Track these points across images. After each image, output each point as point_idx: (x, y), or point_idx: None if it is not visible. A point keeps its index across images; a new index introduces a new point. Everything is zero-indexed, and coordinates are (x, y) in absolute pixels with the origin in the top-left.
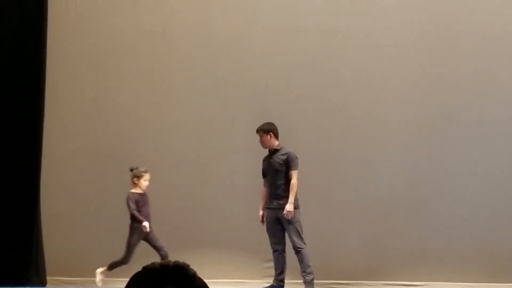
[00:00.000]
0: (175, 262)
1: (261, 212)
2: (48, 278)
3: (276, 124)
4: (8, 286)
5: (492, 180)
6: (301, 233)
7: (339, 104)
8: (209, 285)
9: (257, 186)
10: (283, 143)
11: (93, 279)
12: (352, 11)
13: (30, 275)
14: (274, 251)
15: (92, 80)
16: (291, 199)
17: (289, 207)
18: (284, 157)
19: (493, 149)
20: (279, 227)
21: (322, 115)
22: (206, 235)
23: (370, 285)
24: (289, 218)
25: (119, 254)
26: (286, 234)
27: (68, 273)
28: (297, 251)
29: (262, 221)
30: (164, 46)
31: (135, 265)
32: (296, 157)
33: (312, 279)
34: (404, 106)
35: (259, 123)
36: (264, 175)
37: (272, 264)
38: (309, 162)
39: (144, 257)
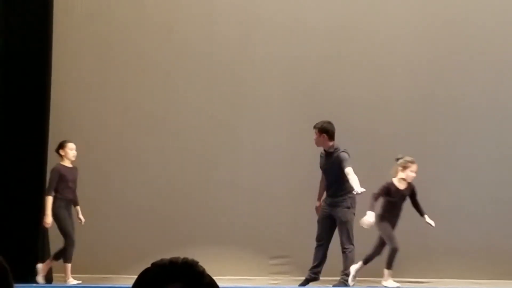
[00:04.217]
0: (184, 258)
1: (317, 203)
2: (54, 275)
3: (278, 120)
4: (15, 283)
5: (499, 176)
6: (350, 233)
7: (343, 100)
8: None
9: (263, 183)
10: (283, 138)
11: (99, 276)
12: (357, 7)
13: (36, 273)
14: (318, 243)
15: (98, 76)
16: (355, 183)
17: (357, 188)
18: (335, 159)
19: (500, 145)
20: (328, 223)
21: (325, 112)
22: (212, 232)
23: (376, 282)
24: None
25: (124, 252)
26: (337, 231)
27: (74, 270)
28: (343, 251)
29: (318, 211)
30: (170, 42)
31: (144, 262)
32: (348, 157)
33: (347, 281)
34: (409, 102)
35: (263, 121)
36: (321, 169)
37: (278, 261)
38: (312, 160)
39: (151, 253)
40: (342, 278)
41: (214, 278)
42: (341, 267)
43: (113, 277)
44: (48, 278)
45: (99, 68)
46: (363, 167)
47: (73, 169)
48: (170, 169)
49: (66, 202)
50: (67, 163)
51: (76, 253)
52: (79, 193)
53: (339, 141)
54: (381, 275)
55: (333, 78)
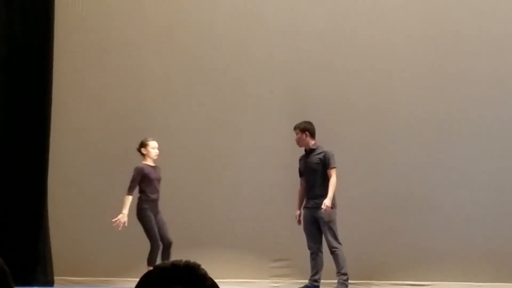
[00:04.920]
0: (186, 261)
1: (297, 212)
2: (55, 278)
3: (279, 123)
4: (15, 286)
5: (501, 179)
6: (336, 233)
7: (344, 102)
8: None
9: (264, 186)
10: (285, 142)
11: (100, 278)
12: (359, 10)
13: (37, 275)
14: (311, 251)
15: (99, 78)
16: (330, 194)
17: (327, 201)
18: (320, 156)
19: (502, 148)
20: (316, 227)
21: (328, 113)
22: (214, 235)
23: (377, 284)
24: (327, 213)
25: (126, 254)
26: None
27: (75, 273)
28: (332, 251)
29: (299, 221)
30: (170, 45)
31: (146, 264)
32: (333, 155)
33: (346, 280)
34: (412, 105)
35: (264, 122)
36: (301, 174)
37: (279, 263)
38: None
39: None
40: (340, 279)
41: (216, 281)
42: (334, 269)
43: (115, 280)
44: (50, 281)
45: (100, 69)
46: (362, 169)
47: (157, 168)
48: (170, 172)
49: (151, 203)
50: (149, 162)
51: (75, 255)
52: (80, 194)
53: (339, 144)
54: (375, 278)
55: (333, 81)
